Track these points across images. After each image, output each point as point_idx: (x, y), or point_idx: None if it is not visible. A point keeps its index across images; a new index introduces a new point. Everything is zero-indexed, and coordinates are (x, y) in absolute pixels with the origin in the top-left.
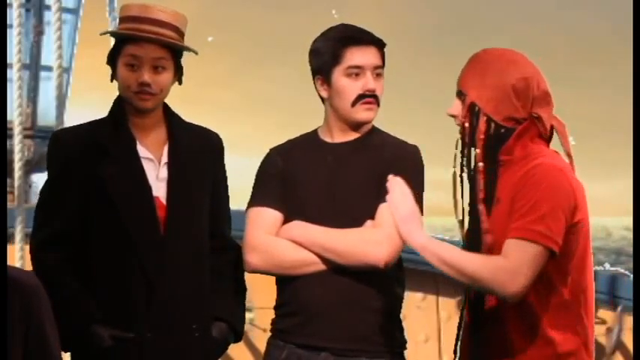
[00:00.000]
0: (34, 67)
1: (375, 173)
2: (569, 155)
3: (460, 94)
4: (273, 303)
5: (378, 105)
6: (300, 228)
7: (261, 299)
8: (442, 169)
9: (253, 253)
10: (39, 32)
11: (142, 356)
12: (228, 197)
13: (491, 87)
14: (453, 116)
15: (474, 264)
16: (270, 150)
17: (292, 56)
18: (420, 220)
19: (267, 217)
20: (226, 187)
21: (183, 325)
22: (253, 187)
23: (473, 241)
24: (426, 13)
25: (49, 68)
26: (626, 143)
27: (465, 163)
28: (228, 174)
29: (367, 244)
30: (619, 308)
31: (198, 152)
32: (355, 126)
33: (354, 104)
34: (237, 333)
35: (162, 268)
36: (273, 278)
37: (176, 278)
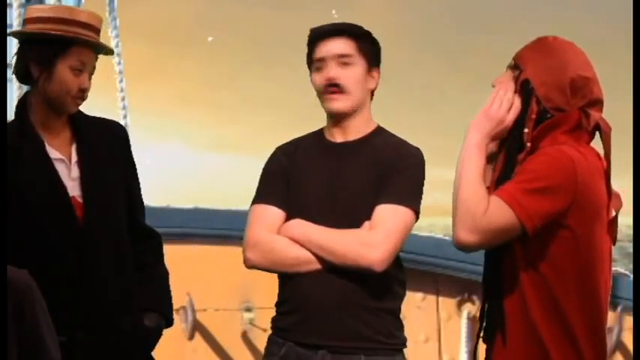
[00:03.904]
0: None
1: (374, 174)
2: (607, 159)
3: (515, 68)
4: (273, 303)
5: (348, 93)
6: (299, 226)
7: (261, 299)
8: (442, 170)
9: (253, 249)
10: None
11: (75, 358)
12: (139, 185)
13: (550, 71)
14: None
15: (462, 194)
16: (277, 148)
17: (292, 56)
18: (488, 122)
19: (269, 214)
20: (136, 175)
21: (114, 320)
22: (258, 185)
23: None
24: (427, 13)
25: None
26: (626, 143)
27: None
28: (228, 173)
29: (362, 245)
30: (619, 308)
31: (106, 146)
32: (335, 120)
33: (320, 96)
34: (167, 320)
35: (86, 267)
36: (273, 278)
37: (101, 275)
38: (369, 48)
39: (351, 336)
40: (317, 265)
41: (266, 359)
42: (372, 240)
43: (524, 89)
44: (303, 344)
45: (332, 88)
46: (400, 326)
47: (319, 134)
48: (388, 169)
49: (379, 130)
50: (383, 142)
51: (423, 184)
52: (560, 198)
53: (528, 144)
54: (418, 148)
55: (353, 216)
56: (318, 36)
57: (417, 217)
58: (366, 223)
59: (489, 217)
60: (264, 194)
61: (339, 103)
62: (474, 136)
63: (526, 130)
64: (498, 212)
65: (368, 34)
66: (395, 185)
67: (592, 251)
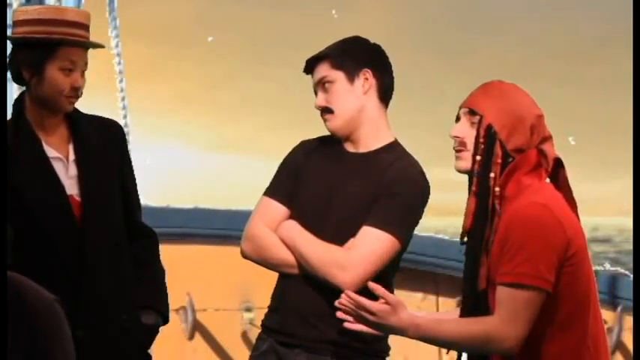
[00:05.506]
0: None
1: (371, 192)
2: (570, 191)
3: (471, 115)
4: None
5: (334, 112)
6: (289, 229)
7: (261, 299)
8: (442, 170)
9: (247, 241)
10: None
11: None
12: (135, 184)
13: (510, 114)
14: (456, 138)
15: (466, 338)
16: (301, 142)
17: (292, 56)
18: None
19: (273, 209)
20: (133, 173)
21: (113, 318)
22: (273, 176)
23: (470, 262)
24: (426, 12)
25: None
26: (626, 144)
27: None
28: (228, 173)
29: (334, 265)
30: (619, 308)
31: (102, 144)
32: (340, 137)
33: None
34: (164, 317)
35: (85, 266)
36: (273, 279)
37: (100, 273)
38: (346, 57)
39: (324, 340)
40: (298, 271)
41: (252, 353)
42: (346, 261)
43: (487, 135)
44: (282, 343)
45: (322, 113)
46: (380, 337)
47: (338, 139)
48: (383, 191)
49: (392, 146)
50: (390, 160)
51: (415, 213)
52: (556, 245)
53: (497, 189)
54: (422, 175)
55: (344, 227)
56: (307, 70)
57: (402, 245)
58: (350, 241)
59: (508, 313)
60: (273, 188)
61: (330, 124)
62: (408, 330)
63: (492, 175)
64: (514, 301)
65: (342, 45)
66: (383, 209)
67: (590, 277)
